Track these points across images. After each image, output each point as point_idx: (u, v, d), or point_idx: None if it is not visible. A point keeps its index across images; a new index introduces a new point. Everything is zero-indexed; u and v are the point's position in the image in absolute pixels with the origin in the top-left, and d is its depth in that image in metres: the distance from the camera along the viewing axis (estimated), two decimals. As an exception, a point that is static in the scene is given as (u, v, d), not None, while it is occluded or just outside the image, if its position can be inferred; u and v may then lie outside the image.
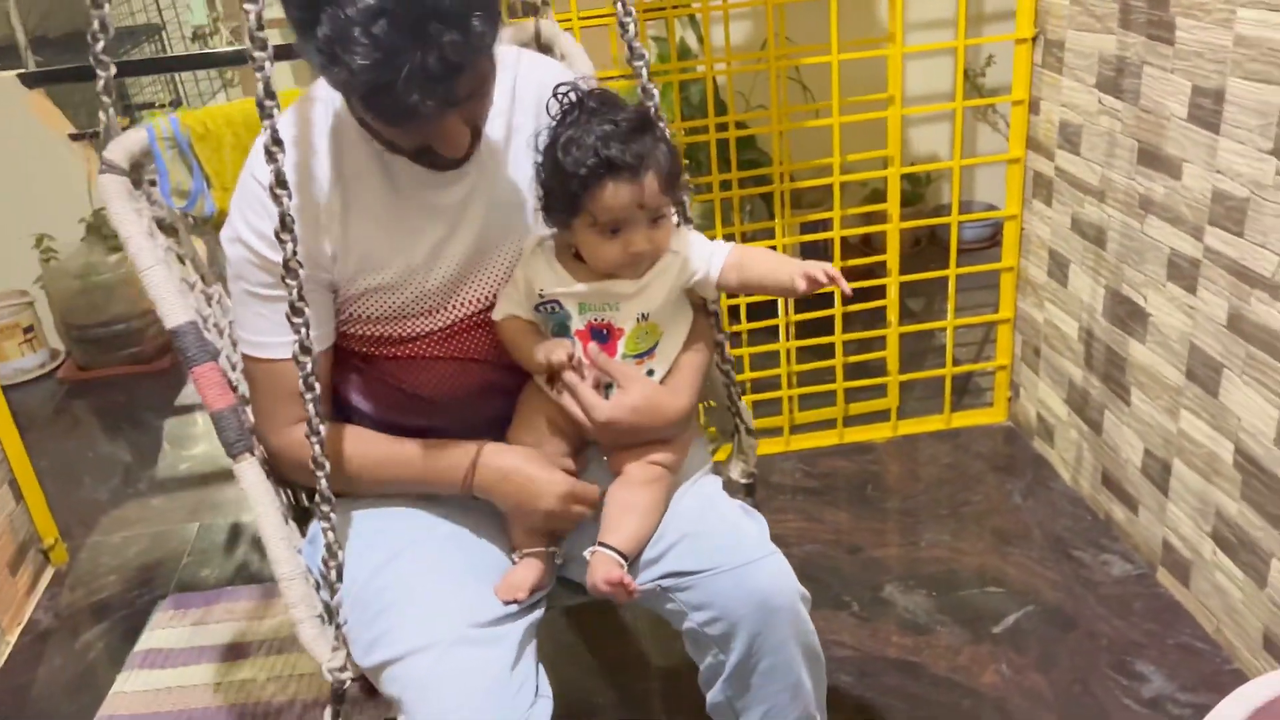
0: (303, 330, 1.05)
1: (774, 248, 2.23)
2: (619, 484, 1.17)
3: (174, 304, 1.19)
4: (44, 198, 2.93)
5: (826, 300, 2.34)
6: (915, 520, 2.04)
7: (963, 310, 2.32)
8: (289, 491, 1.33)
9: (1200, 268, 1.56)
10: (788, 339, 2.26)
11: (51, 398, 2.94)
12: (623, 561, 1.11)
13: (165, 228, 1.34)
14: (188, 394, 2.86)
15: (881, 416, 2.34)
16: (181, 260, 1.35)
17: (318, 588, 1.17)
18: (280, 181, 1.00)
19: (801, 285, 1.11)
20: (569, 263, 1.15)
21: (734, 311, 2.26)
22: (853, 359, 2.32)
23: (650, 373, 1.17)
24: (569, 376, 1.14)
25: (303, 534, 1.26)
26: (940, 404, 2.32)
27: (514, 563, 1.17)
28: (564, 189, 1.08)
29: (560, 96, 1.11)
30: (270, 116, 0.98)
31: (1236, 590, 1.57)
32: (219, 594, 1.99)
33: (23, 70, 2.67)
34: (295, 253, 1.02)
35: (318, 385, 1.07)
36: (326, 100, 1.11)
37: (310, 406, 1.06)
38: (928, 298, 2.91)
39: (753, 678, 1.13)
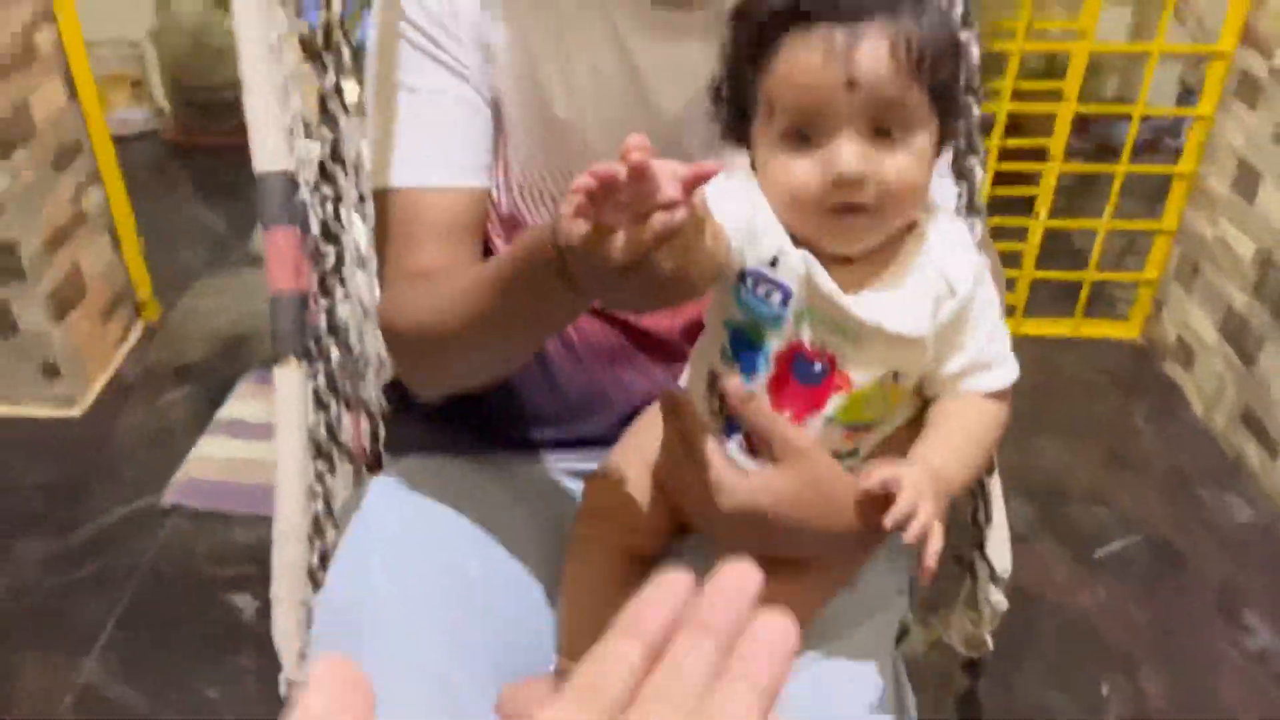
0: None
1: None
2: None
3: (269, 143, 0.89)
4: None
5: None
6: (1026, 425, 1.92)
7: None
8: (332, 425, 0.92)
9: None
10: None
11: (153, 156, 2.90)
12: None
13: (309, 48, 0.92)
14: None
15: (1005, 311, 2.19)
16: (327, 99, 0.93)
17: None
18: None
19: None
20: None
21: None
22: (987, 246, 2.15)
23: (851, 453, 0.72)
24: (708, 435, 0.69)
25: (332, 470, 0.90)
26: (1070, 308, 2.17)
27: (550, 670, 0.78)
28: (737, 61, 0.66)
29: None
30: None
31: (1381, 559, 1.45)
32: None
33: None
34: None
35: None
36: None
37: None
38: (1067, 196, 2.69)
39: None
